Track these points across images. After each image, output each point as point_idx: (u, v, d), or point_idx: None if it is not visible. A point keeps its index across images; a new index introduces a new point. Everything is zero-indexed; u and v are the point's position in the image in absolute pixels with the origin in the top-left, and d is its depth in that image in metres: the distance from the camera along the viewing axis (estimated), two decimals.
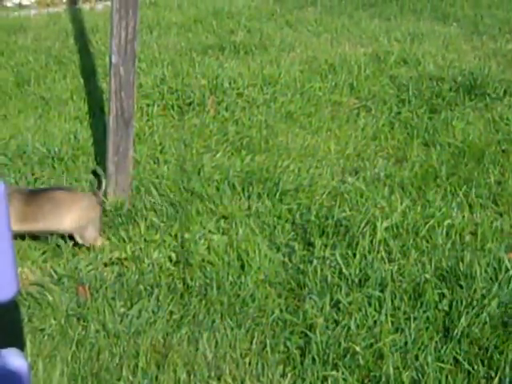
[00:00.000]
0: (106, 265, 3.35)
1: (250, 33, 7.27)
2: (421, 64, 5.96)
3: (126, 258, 3.36)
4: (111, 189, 3.81)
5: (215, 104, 5.31)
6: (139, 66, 5.67)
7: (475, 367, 2.61)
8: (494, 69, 5.85)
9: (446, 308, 2.93)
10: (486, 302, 2.91)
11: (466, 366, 2.62)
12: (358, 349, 2.69)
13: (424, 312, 2.91)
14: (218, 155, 4.43)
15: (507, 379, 2.52)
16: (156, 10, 8.11)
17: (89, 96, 5.33)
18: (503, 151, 4.37)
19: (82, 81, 5.68)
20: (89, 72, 5.79)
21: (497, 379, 2.54)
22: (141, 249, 3.41)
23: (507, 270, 3.10)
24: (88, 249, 3.46)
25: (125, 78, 3.72)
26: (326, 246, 3.40)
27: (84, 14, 8.02)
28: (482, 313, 2.84)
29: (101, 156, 4.15)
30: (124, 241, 3.49)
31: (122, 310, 3.02)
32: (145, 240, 3.48)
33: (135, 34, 3.69)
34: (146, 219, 3.63)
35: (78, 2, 8.76)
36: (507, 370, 2.57)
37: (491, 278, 3.08)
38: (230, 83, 5.58)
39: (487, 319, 2.81)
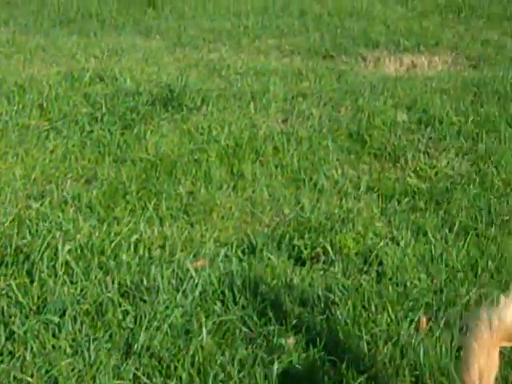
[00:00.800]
0: None
1: None
2: (117, 80, 6.13)
3: None
4: None
5: None
6: None
7: (154, 380, 2.74)
8: (193, 79, 6.19)
9: (131, 325, 3.04)
10: (169, 312, 3.07)
11: (145, 380, 2.74)
12: (30, 379, 2.69)
13: (106, 331, 2.99)
14: None
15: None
16: None
17: None
18: (196, 160, 4.63)
19: None
20: None
21: None
22: None
23: (192, 278, 3.29)
24: None
25: None
26: (5, 275, 3.36)
27: None
28: (164, 324, 2.99)
29: None
30: None
31: None
32: None
33: None
34: None
35: None
36: (184, 376, 2.72)
37: (177, 289, 3.25)
38: None
39: (168, 330, 2.96)
